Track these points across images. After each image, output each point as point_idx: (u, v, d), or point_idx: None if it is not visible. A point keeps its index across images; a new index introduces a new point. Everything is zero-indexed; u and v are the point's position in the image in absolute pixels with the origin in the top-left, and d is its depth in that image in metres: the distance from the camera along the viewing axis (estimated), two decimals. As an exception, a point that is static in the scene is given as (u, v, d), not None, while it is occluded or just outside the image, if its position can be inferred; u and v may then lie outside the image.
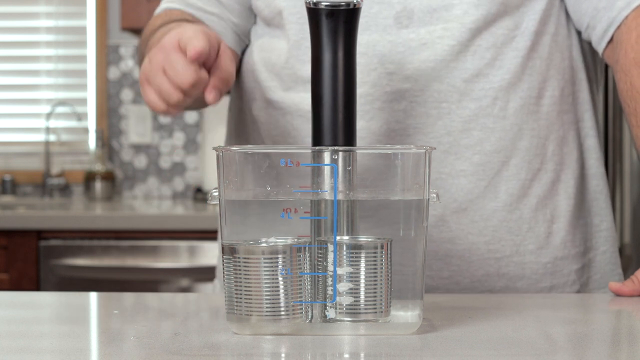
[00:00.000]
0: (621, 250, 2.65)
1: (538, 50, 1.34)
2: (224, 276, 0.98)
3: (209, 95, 1.10)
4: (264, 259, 0.96)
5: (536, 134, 1.33)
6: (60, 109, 3.70)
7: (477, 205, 1.32)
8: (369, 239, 0.98)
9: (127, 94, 3.71)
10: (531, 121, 1.33)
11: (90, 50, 3.72)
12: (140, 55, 1.43)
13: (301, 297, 0.97)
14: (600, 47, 1.34)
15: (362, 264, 0.97)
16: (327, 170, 0.99)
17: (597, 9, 1.33)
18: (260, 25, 1.43)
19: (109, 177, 3.60)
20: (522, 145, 1.33)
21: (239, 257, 0.97)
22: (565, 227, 1.35)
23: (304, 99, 1.34)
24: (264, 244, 0.98)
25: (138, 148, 3.71)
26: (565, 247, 1.35)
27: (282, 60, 1.37)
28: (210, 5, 1.42)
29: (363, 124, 1.31)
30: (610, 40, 1.33)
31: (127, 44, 3.69)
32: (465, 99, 1.31)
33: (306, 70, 1.33)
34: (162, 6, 1.46)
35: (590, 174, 1.39)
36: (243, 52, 1.46)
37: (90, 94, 3.72)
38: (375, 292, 0.97)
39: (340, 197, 0.99)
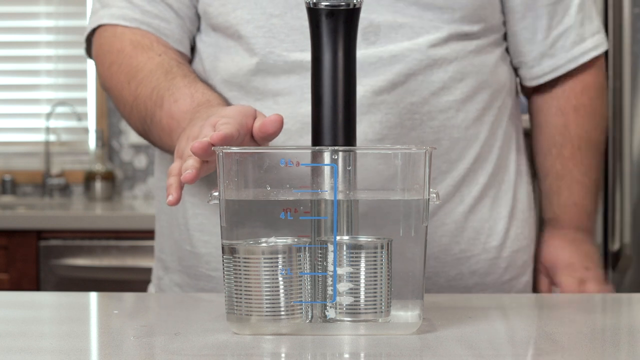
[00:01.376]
0: (621, 250, 2.65)
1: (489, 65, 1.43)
2: (224, 276, 0.98)
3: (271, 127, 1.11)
4: (264, 259, 0.96)
5: (487, 142, 1.42)
6: (60, 109, 3.70)
7: (447, 209, 1.39)
8: (369, 239, 0.98)
9: (127, 94, 3.71)
10: (484, 130, 1.41)
11: (90, 50, 3.71)
12: (117, 98, 1.39)
13: (301, 297, 0.97)
14: (532, 82, 1.47)
15: (362, 264, 0.97)
16: (327, 170, 0.99)
17: (543, 54, 1.45)
18: (207, 31, 1.41)
19: (109, 177, 3.60)
20: (479, 152, 1.41)
21: (239, 257, 0.97)
22: (517, 224, 1.45)
23: (274, 110, 1.33)
24: (264, 244, 0.98)
25: (138, 148, 3.71)
26: (518, 240, 1.45)
27: (246, 73, 1.36)
28: (166, 12, 1.40)
29: None
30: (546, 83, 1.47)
31: (127, 44, 3.69)
32: (434, 110, 1.37)
33: (276, 83, 1.34)
34: (115, 12, 1.40)
35: (526, 175, 1.50)
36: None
37: (90, 94, 3.72)
38: (375, 292, 0.97)
39: (340, 197, 0.99)
